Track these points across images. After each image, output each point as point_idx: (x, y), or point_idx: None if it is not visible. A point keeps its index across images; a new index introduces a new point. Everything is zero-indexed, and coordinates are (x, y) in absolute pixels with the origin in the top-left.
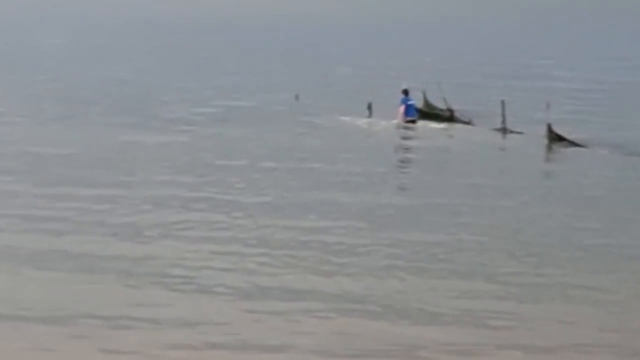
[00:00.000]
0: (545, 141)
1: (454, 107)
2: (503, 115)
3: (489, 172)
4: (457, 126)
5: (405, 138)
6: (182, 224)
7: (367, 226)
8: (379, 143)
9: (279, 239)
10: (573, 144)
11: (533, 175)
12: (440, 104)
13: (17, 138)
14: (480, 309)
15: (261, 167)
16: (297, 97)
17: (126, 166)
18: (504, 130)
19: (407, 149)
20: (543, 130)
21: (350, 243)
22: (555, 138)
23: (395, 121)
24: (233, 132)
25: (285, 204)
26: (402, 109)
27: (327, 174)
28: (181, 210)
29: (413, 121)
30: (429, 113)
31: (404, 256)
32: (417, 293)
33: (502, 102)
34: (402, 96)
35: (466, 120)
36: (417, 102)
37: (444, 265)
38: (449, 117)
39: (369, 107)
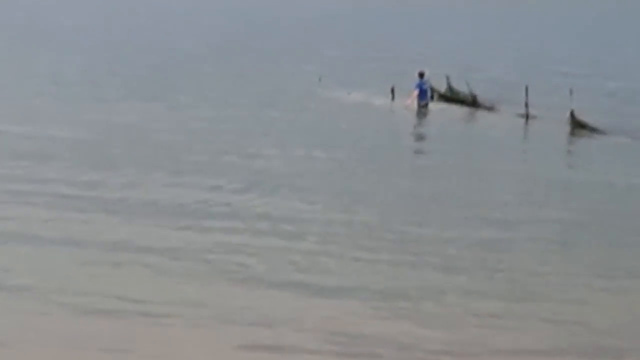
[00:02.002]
0: (568, 127)
1: (477, 92)
2: (526, 101)
3: (511, 158)
4: (480, 111)
5: (426, 123)
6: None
7: (379, 217)
8: (399, 126)
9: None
10: (595, 130)
11: (555, 163)
12: (464, 89)
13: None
14: (492, 310)
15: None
16: (320, 79)
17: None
18: (527, 116)
19: (427, 134)
20: (566, 117)
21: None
22: (577, 124)
23: (408, 103)
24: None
25: (304, 188)
26: (415, 92)
27: (344, 159)
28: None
29: (426, 105)
30: (452, 98)
31: (412, 250)
32: (423, 290)
33: (526, 88)
34: (417, 79)
35: (489, 105)
36: (441, 86)
37: (453, 262)
38: (472, 102)
39: (392, 90)
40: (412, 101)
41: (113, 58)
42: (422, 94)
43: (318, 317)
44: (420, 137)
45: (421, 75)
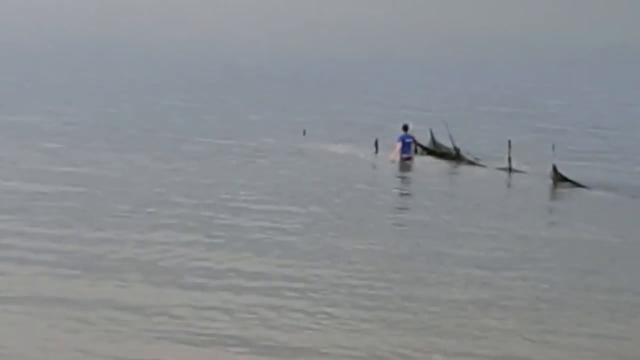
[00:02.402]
0: (550, 182)
1: (460, 146)
2: (509, 155)
3: (494, 214)
4: (463, 165)
5: (407, 176)
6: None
7: (361, 267)
8: (383, 179)
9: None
10: (577, 185)
11: (537, 217)
12: (447, 142)
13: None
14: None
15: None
16: (304, 132)
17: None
18: (509, 170)
19: (410, 188)
20: (548, 171)
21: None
22: (559, 179)
23: (391, 157)
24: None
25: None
26: (398, 145)
27: (326, 212)
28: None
29: (409, 158)
30: (435, 151)
31: (391, 309)
32: (401, 352)
33: (509, 142)
34: (401, 132)
35: (472, 159)
36: (424, 140)
37: (434, 322)
38: (455, 155)
39: (376, 144)
40: (395, 154)
41: (95, 111)
42: (405, 147)
43: None
44: (403, 192)
45: (405, 128)
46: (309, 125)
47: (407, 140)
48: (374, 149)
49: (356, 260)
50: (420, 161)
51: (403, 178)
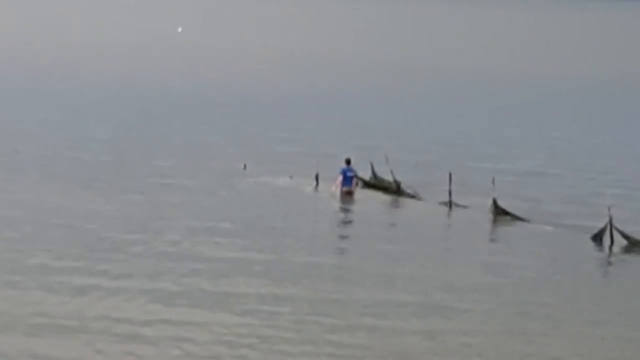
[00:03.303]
0: (491, 215)
1: (400, 179)
2: (450, 189)
3: (432, 247)
4: (404, 199)
5: (349, 209)
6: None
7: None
8: (322, 213)
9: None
10: (517, 218)
11: (476, 251)
12: (387, 177)
13: None
14: None
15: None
16: (245, 167)
17: None
18: (450, 204)
19: (350, 221)
20: (489, 205)
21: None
22: (500, 212)
23: (332, 189)
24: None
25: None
26: (339, 179)
27: (265, 246)
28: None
29: (350, 192)
30: (376, 185)
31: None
32: None
33: (449, 175)
34: (343, 165)
35: (412, 193)
36: (365, 174)
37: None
38: (395, 189)
39: (317, 177)
40: (337, 188)
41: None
42: (346, 181)
43: None
44: (343, 224)
45: (348, 162)
46: (250, 158)
47: (349, 173)
48: (315, 182)
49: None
50: (362, 195)
51: (344, 211)
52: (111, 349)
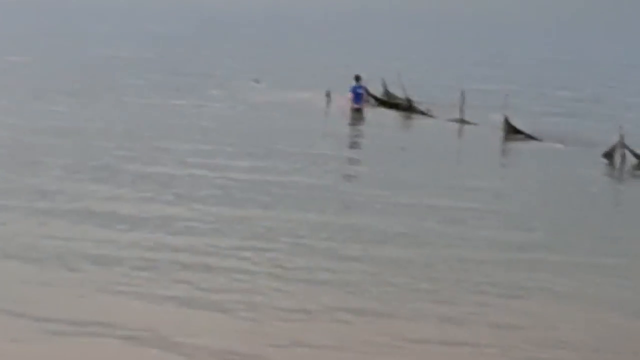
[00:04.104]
0: (502, 133)
1: (413, 96)
2: (461, 106)
3: (444, 165)
4: (415, 116)
5: (359, 126)
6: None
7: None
8: (332, 130)
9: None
10: (529, 137)
11: (486, 168)
12: (400, 93)
13: None
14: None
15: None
16: (257, 81)
17: None
18: (461, 121)
19: (360, 139)
20: (500, 122)
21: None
22: (511, 130)
23: (342, 104)
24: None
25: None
26: (350, 96)
27: (271, 166)
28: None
29: (360, 109)
30: (388, 102)
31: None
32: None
33: (462, 93)
34: (353, 82)
35: (424, 110)
36: (377, 91)
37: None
38: (407, 106)
39: (328, 94)
40: (347, 104)
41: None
42: (356, 98)
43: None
44: (353, 143)
45: (357, 78)
46: (266, 75)
47: (359, 90)
48: (326, 99)
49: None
50: (373, 112)
51: (355, 128)
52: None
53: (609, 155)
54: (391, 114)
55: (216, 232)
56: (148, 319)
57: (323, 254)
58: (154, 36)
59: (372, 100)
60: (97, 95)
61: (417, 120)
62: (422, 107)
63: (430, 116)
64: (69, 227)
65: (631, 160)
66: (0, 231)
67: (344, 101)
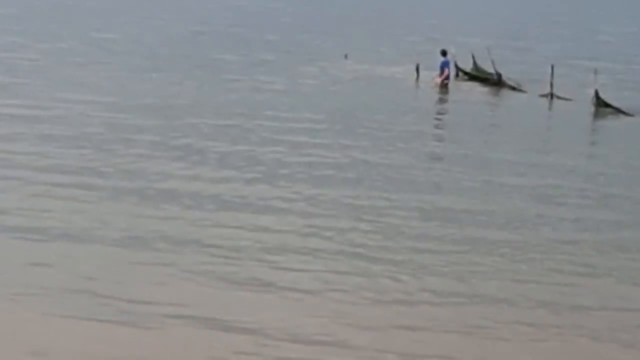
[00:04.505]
0: (592, 108)
1: (502, 71)
2: (551, 81)
3: (530, 141)
4: (505, 91)
5: (448, 101)
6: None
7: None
8: (421, 104)
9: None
10: (620, 111)
11: (576, 145)
12: (488, 68)
13: None
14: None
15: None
16: (346, 56)
17: None
18: (551, 96)
19: (448, 113)
20: (590, 96)
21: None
22: (601, 104)
23: (436, 80)
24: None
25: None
26: (445, 71)
27: (362, 143)
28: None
29: (446, 84)
30: (478, 76)
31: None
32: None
33: (552, 68)
34: (441, 58)
35: (514, 84)
36: (466, 65)
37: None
38: (496, 81)
39: (417, 69)
40: (440, 78)
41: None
42: (444, 72)
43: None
44: (440, 119)
45: (444, 53)
46: (356, 51)
47: (446, 65)
48: (415, 74)
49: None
50: (462, 86)
51: (443, 103)
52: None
53: None
54: (480, 89)
55: (300, 212)
56: (226, 302)
57: (409, 234)
58: (242, 11)
59: (462, 75)
60: (188, 72)
61: (507, 95)
62: (511, 82)
63: (520, 91)
64: (153, 208)
65: None
66: (89, 211)
67: (435, 77)
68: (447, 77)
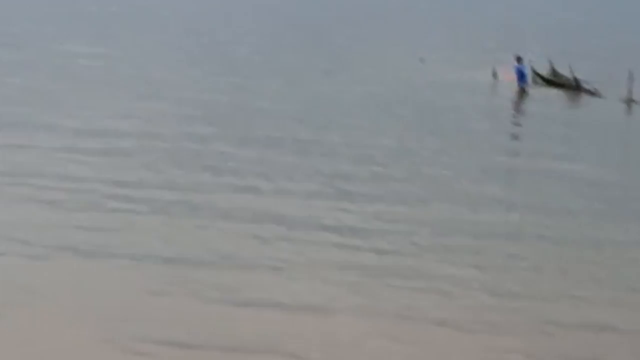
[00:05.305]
0: None
1: (580, 76)
2: (630, 87)
3: (609, 146)
4: (582, 96)
5: (525, 107)
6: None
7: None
8: (497, 110)
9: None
10: None
11: None
12: (567, 73)
13: None
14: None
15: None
16: (422, 60)
17: None
18: (629, 102)
19: (524, 118)
20: None
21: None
22: None
23: (509, 78)
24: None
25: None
26: (514, 76)
27: (439, 145)
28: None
29: (524, 89)
30: (556, 81)
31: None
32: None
33: (630, 73)
34: (515, 63)
35: (592, 89)
36: (544, 70)
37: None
38: (574, 86)
39: (494, 74)
40: (513, 80)
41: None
42: (521, 78)
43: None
44: (517, 122)
45: (518, 59)
46: (432, 53)
47: (524, 70)
48: (493, 78)
49: (461, 199)
50: (540, 92)
51: (520, 109)
52: None
53: None
54: (558, 94)
55: (384, 204)
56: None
57: (490, 232)
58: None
59: (540, 80)
60: (263, 76)
61: (585, 100)
62: (589, 87)
63: (598, 96)
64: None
65: None
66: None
67: (509, 76)
68: (525, 82)
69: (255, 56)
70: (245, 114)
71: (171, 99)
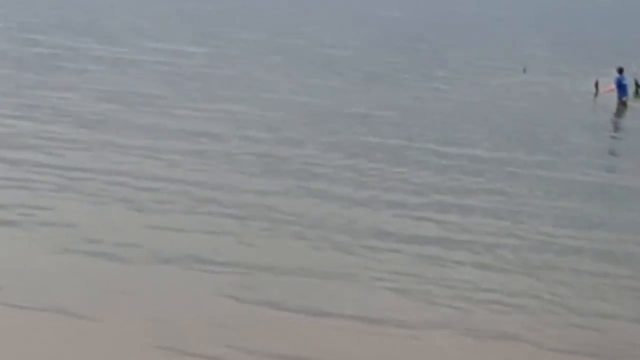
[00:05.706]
0: None
1: None
2: None
3: None
4: None
5: (624, 121)
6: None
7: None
8: (599, 121)
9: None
10: None
11: None
12: None
13: None
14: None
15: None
16: (524, 70)
17: None
18: None
19: (623, 133)
20: None
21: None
22: None
23: (606, 90)
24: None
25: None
26: (613, 87)
27: (538, 147)
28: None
29: (624, 103)
30: None
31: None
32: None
33: None
34: (616, 75)
35: None
36: None
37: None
38: None
39: (596, 85)
40: (609, 92)
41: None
42: (622, 90)
43: None
44: (616, 136)
45: (620, 70)
46: (533, 64)
47: (625, 82)
48: (594, 90)
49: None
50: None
51: (619, 122)
52: None
53: None
54: None
55: (470, 216)
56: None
57: (579, 250)
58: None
59: None
60: (363, 80)
61: None
62: None
63: None
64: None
65: None
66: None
67: (609, 88)
68: (625, 94)
69: (358, 60)
70: (341, 119)
71: (267, 101)
